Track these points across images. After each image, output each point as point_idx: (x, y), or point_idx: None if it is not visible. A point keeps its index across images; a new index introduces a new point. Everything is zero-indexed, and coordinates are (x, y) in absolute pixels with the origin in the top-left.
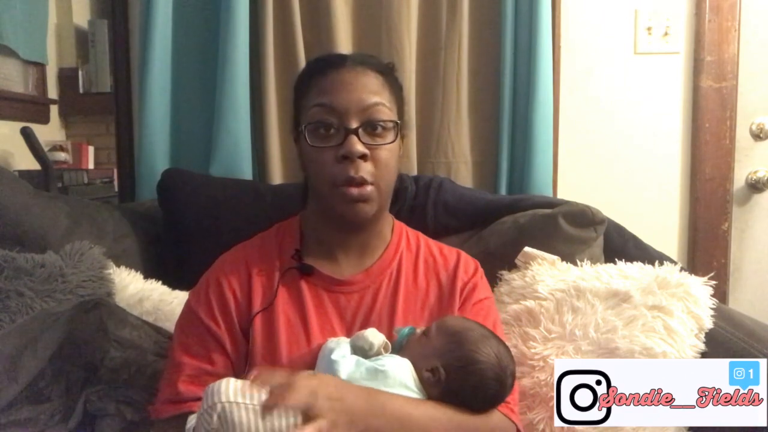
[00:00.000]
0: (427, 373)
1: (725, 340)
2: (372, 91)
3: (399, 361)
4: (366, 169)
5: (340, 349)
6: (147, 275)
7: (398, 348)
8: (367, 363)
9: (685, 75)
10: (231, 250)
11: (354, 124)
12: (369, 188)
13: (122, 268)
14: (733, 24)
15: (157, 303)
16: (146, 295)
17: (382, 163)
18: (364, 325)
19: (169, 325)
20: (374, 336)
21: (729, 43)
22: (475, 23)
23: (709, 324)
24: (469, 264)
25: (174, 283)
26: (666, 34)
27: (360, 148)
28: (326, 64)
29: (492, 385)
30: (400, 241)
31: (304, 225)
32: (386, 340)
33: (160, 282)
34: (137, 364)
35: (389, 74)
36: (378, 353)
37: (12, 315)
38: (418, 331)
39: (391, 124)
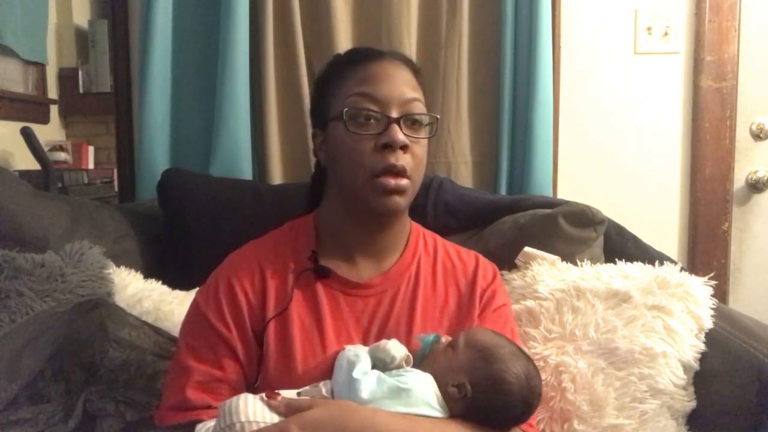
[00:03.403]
0: (453, 389)
1: (725, 340)
2: (410, 86)
3: (422, 378)
4: (406, 160)
5: (361, 364)
6: (147, 275)
7: (421, 356)
8: (389, 381)
9: (685, 75)
10: (242, 249)
11: (395, 114)
12: (405, 181)
13: (122, 268)
14: (733, 24)
15: (156, 303)
16: (146, 295)
17: (417, 157)
18: (381, 331)
19: (169, 325)
20: (396, 349)
21: (729, 43)
22: (475, 23)
23: (709, 324)
24: (487, 270)
25: (174, 283)
26: (666, 34)
27: (402, 137)
28: (364, 55)
29: (519, 406)
30: (417, 244)
31: (320, 224)
32: (408, 353)
33: (160, 282)
34: (137, 365)
35: (420, 75)
36: (399, 366)
37: (12, 315)
38: (443, 340)
39: (430, 119)
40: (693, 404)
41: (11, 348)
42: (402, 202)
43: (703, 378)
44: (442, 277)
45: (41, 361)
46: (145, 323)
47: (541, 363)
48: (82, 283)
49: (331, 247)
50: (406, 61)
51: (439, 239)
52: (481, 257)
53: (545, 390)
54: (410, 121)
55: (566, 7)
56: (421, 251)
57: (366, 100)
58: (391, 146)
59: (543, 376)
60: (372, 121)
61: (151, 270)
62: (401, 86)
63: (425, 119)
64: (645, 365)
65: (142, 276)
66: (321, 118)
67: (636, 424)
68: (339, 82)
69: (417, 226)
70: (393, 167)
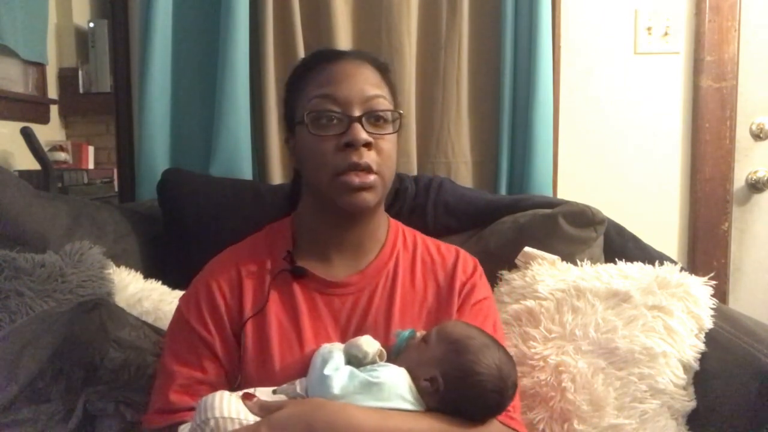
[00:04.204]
0: (425, 383)
1: (725, 340)
2: (372, 84)
3: (394, 371)
4: (370, 157)
5: (333, 360)
6: (147, 275)
7: (397, 352)
8: (361, 376)
9: (685, 75)
10: (221, 254)
11: (357, 113)
12: (372, 177)
13: (122, 268)
14: (733, 24)
15: (156, 303)
16: (146, 295)
17: (384, 153)
18: (360, 329)
19: None
20: (368, 344)
21: (729, 43)
22: (475, 23)
23: (709, 324)
24: (467, 263)
25: (174, 283)
26: (666, 34)
27: (364, 135)
28: (324, 57)
29: (492, 396)
30: (396, 241)
31: (297, 225)
32: (381, 348)
33: (160, 282)
34: (137, 365)
35: (386, 72)
36: (373, 361)
37: (12, 315)
38: (418, 334)
39: (394, 115)
40: (693, 404)
41: (11, 348)
42: (370, 198)
43: (703, 378)
44: (421, 272)
45: (41, 361)
46: (145, 323)
47: (541, 363)
48: (82, 283)
49: (308, 248)
50: (370, 59)
51: (419, 235)
52: (462, 251)
53: (545, 390)
54: (373, 118)
55: (566, 7)
56: (400, 247)
57: (326, 101)
58: (353, 145)
59: (543, 376)
60: (334, 121)
61: (151, 270)
62: (362, 84)
63: (389, 115)
64: (645, 365)
65: (142, 276)
66: (289, 123)
67: (636, 424)
68: (301, 86)
69: (396, 223)
70: (356, 165)
